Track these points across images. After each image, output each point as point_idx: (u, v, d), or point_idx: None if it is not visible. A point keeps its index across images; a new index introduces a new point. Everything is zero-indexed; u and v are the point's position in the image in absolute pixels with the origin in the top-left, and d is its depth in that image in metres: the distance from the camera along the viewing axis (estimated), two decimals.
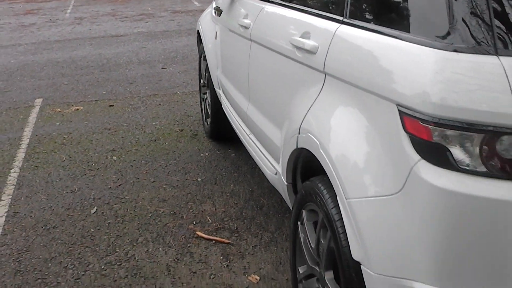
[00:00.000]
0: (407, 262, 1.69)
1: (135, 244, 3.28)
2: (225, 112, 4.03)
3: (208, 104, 4.61)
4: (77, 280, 2.96)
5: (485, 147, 1.53)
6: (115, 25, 10.17)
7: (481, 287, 1.59)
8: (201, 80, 4.92)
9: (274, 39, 2.77)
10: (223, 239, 3.27)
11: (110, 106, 5.82)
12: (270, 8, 3.02)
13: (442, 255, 1.61)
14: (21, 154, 4.63)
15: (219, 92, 4.21)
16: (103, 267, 3.07)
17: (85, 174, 4.21)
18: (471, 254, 1.59)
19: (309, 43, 2.28)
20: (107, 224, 3.51)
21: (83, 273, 3.02)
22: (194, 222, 3.47)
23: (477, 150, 1.54)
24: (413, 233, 1.66)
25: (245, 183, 3.92)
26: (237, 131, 3.69)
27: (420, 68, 1.65)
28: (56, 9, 12.60)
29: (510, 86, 1.51)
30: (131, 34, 9.22)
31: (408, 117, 1.65)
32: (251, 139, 3.31)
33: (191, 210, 3.61)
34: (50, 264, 3.10)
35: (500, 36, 1.57)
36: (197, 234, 3.33)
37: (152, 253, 3.17)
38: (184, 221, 3.50)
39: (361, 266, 1.82)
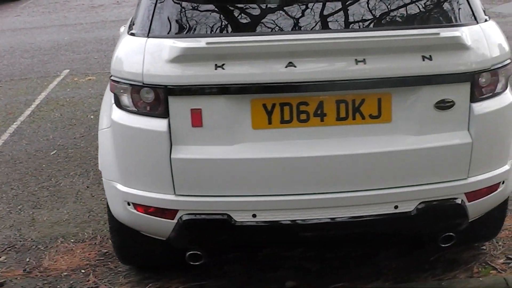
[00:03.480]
0: (112, 170, 2.63)
1: (66, 176, 4.43)
2: None
3: None
4: (15, 196, 4.17)
5: (134, 94, 2.42)
6: None
7: (144, 184, 2.50)
8: None
9: None
10: None
11: None
12: None
13: (121, 163, 2.54)
14: (28, 112, 5.96)
15: None
16: (36, 189, 4.25)
17: (64, 128, 5.44)
18: (133, 161, 2.50)
19: None
20: (56, 162, 4.70)
21: (21, 192, 4.22)
22: None
23: (130, 96, 2.43)
24: (112, 151, 2.60)
25: None
26: None
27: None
28: None
29: (144, 57, 2.39)
30: None
31: (110, 79, 2.57)
32: None
33: None
34: (2, 186, 4.34)
35: (153, 27, 2.45)
36: None
37: (74, 182, 4.31)
38: None
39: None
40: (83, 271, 3.27)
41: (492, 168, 2.57)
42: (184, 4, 2.48)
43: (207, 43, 2.29)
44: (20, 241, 3.62)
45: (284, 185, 2.41)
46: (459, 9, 2.53)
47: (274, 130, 2.40)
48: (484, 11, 2.68)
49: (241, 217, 2.45)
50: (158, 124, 2.40)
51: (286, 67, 2.29)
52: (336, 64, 2.31)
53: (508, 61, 2.57)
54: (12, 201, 4.11)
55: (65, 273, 3.26)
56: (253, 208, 2.44)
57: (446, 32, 2.36)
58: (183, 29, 2.48)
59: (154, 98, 2.40)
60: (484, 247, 3.31)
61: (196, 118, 2.37)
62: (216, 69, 2.31)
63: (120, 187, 2.60)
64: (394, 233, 2.66)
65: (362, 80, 2.33)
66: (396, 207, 2.47)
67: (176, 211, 2.49)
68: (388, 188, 2.44)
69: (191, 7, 2.48)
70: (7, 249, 3.55)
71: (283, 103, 2.37)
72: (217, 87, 2.33)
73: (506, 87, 2.60)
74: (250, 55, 2.31)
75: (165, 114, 2.39)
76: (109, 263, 3.31)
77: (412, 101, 2.40)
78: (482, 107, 2.46)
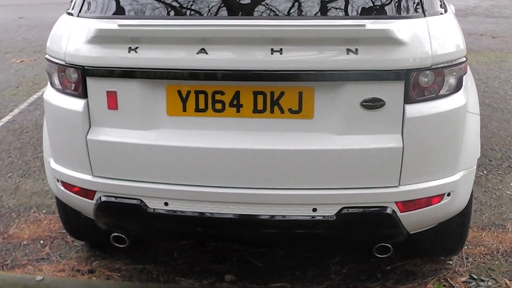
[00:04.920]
0: (47, 146, 2.64)
1: None
2: None
3: None
4: (10, 164, 4.32)
5: (60, 73, 2.40)
6: None
7: (68, 163, 2.50)
8: None
9: None
10: None
11: None
12: None
13: (51, 140, 2.54)
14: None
15: None
16: (31, 159, 4.39)
17: None
18: (59, 140, 2.50)
19: None
20: None
21: (16, 160, 4.37)
22: None
23: (57, 75, 2.41)
24: (45, 128, 2.60)
25: None
26: None
27: None
28: None
29: (69, 37, 2.36)
30: None
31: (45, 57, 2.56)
32: None
33: None
34: (2, 153, 4.52)
35: (84, 7, 2.41)
36: None
37: None
38: None
39: None
40: (41, 241, 3.34)
41: (432, 178, 2.34)
42: None
43: (119, 25, 2.22)
44: None
45: (196, 175, 2.32)
46: (404, 0, 2.32)
47: (188, 118, 2.30)
48: (441, 4, 2.45)
49: (153, 204, 2.39)
50: (77, 104, 2.36)
51: (197, 53, 2.18)
52: (250, 53, 2.17)
53: (461, 60, 2.32)
54: (5, 168, 4.27)
55: (24, 242, 3.34)
56: (165, 196, 2.37)
57: (373, 25, 2.15)
58: (110, 10, 2.42)
59: (75, 78, 2.37)
60: (450, 261, 3.06)
61: (112, 101, 2.32)
62: (129, 52, 2.23)
63: (52, 163, 2.61)
64: (314, 237, 2.48)
65: (278, 72, 2.18)
66: (314, 210, 2.31)
67: (94, 192, 2.47)
68: (306, 189, 2.28)
69: None
70: None
71: (198, 91, 2.27)
72: (130, 71, 2.26)
73: (457, 89, 2.34)
74: (163, 40, 2.23)
75: (84, 95, 2.35)
76: (68, 236, 3.35)
77: (337, 98, 2.22)
78: (419, 109, 2.24)
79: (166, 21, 2.29)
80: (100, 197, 2.45)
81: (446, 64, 2.26)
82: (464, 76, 2.41)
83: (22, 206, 3.73)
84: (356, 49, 2.15)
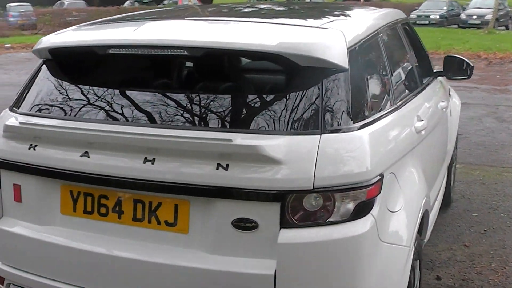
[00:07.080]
0: None
1: None
2: None
3: None
4: None
5: None
6: None
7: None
8: None
9: None
10: None
11: None
12: None
13: None
14: None
15: None
16: None
17: None
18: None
19: None
20: None
21: None
22: None
23: None
24: None
25: None
26: None
27: None
28: None
29: None
30: None
31: None
32: None
33: None
34: None
35: (18, 102, 2.57)
36: None
37: None
38: None
39: None
40: None
41: None
42: (46, 85, 2.54)
43: (20, 123, 2.36)
44: None
45: (78, 276, 2.31)
46: (302, 115, 2.11)
47: (78, 219, 2.33)
48: (361, 118, 2.18)
49: None
50: None
51: (81, 156, 2.23)
52: (125, 160, 2.17)
53: (365, 183, 2.07)
54: None
55: None
56: None
57: (242, 140, 2.01)
58: (35, 108, 2.51)
59: None
60: None
61: (17, 193, 2.43)
62: (29, 149, 2.35)
63: None
64: None
65: (151, 182, 2.12)
66: None
67: (3, 279, 2.54)
68: None
69: (50, 89, 2.53)
70: None
71: (87, 193, 2.29)
72: (29, 167, 2.36)
73: (360, 216, 2.08)
74: (54, 140, 2.31)
75: None
76: None
77: (210, 215, 2.11)
78: (298, 236, 2.03)
79: (59, 121, 2.36)
80: (9, 284, 2.52)
81: (338, 188, 2.04)
82: (376, 201, 2.15)
83: None
84: (227, 165, 2.04)
